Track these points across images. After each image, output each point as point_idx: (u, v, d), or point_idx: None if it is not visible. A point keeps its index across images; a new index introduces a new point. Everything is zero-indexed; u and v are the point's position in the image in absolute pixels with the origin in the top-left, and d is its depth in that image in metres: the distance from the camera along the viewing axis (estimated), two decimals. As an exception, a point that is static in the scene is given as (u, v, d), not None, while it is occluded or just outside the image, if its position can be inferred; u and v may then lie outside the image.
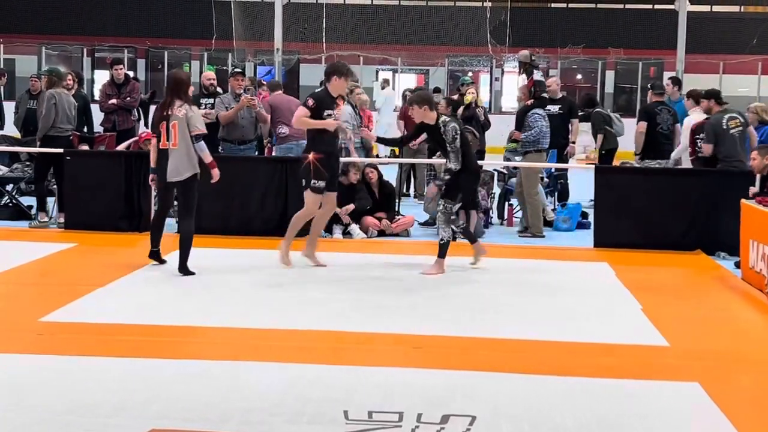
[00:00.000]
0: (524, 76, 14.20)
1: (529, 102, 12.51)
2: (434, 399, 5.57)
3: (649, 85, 14.84)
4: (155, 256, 9.52)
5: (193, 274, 9.03)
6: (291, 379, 5.92)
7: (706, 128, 11.65)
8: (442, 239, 9.34)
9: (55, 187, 12.63)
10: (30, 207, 12.63)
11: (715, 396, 5.74)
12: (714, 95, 12.19)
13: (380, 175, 12.38)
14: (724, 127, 11.50)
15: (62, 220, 12.02)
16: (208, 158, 9.09)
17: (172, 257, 9.46)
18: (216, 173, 9.13)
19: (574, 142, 13.80)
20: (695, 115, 12.47)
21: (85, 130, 13.50)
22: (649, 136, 12.49)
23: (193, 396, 5.55)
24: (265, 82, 16.28)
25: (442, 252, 9.30)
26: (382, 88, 23.93)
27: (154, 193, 11.87)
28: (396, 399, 5.56)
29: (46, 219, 12.17)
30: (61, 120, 12.02)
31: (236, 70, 14.58)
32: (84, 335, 6.92)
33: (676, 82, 14.54)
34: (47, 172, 12.37)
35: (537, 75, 14.50)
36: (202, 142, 9.03)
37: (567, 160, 13.70)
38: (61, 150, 11.82)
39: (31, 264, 9.61)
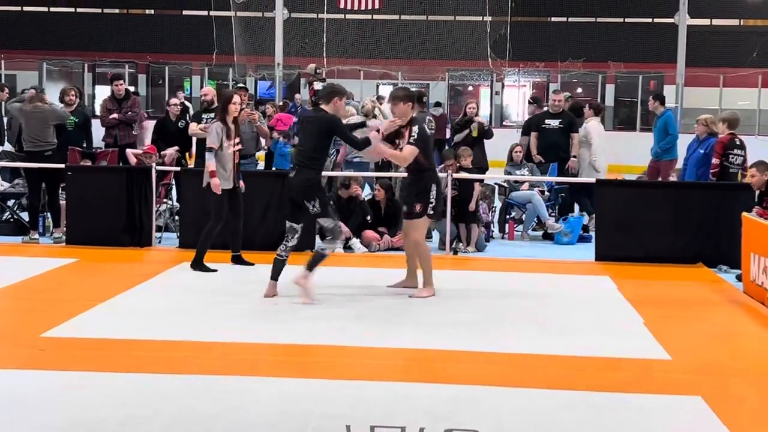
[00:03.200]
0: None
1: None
2: (437, 413, 5.57)
3: (529, 99, 16.01)
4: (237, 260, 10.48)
5: (213, 270, 9.97)
6: (293, 393, 5.92)
7: None
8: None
9: (63, 202, 12.63)
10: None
11: (717, 410, 5.73)
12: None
13: (392, 195, 12.31)
14: None
15: (57, 235, 12.04)
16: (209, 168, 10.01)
17: (178, 269, 9.45)
18: (213, 182, 9.89)
19: (575, 156, 13.81)
20: (593, 124, 13.86)
21: (85, 145, 13.51)
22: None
23: (195, 411, 5.54)
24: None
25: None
26: (380, 104, 24.03)
27: (155, 208, 11.92)
28: (398, 413, 5.56)
29: (36, 235, 12.16)
30: (30, 135, 12.04)
31: (239, 85, 14.67)
32: (86, 351, 6.92)
33: (657, 97, 14.91)
34: (37, 188, 12.36)
35: (317, 86, 15.91)
36: (207, 153, 10.04)
37: (569, 174, 13.69)
38: (60, 165, 11.84)
39: (32, 279, 9.61)
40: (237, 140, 10.18)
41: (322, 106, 8.79)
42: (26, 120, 12.19)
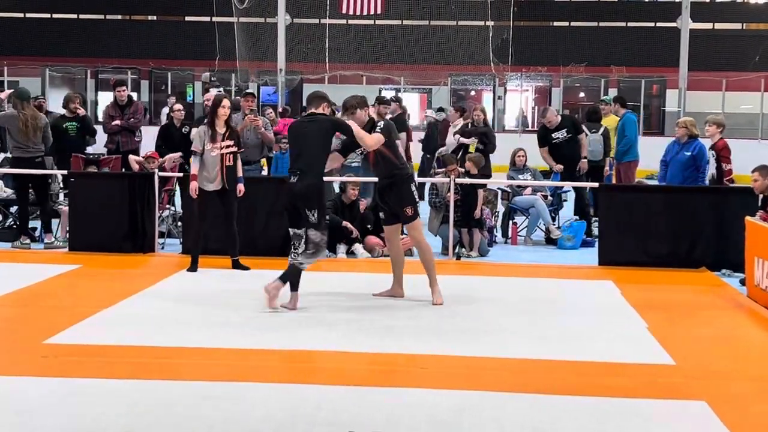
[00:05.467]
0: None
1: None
2: (441, 419, 5.55)
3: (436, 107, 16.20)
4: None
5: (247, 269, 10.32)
6: (296, 400, 5.90)
7: None
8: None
9: (60, 207, 12.63)
10: (33, 229, 12.63)
11: (722, 415, 5.71)
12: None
13: None
14: None
15: (48, 240, 12.04)
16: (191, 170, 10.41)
17: (181, 275, 9.43)
18: (191, 185, 10.30)
19: (585, 157, 13.68)
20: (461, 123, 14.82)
21: (87, 141, 13.54)
22: None
23: (198, 418, 5.53)
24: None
25: None
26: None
27: (158, 214, 11.93)
28: (402, 420, 5.54)
29: (28, 241, 12.16)
30: (19, 141, 12.05)
31: (248, 91, 14.74)
32: (89, 357, 6.90)
33: (618, 100, 15.38)
34: (25, 194, 12.36)
35: (213, 92, 16.06)
36: (192, 157, 10.41)
37: (580, 176, 13.57)
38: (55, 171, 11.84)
39: (35, 286, 9.60)
40: (228, 143, 10.25)
41: (313, 110, 8.75)
42: (25, 125, 12.16)
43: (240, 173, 10.49)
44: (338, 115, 12.79)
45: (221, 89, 18.69)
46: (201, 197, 10.27)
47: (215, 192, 10.28)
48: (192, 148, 10.41)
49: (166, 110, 14.51)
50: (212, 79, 18.20)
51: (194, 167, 10.30)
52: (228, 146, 10.25)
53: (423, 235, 9.27)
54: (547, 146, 13.76)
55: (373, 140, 8.75)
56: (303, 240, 8.53)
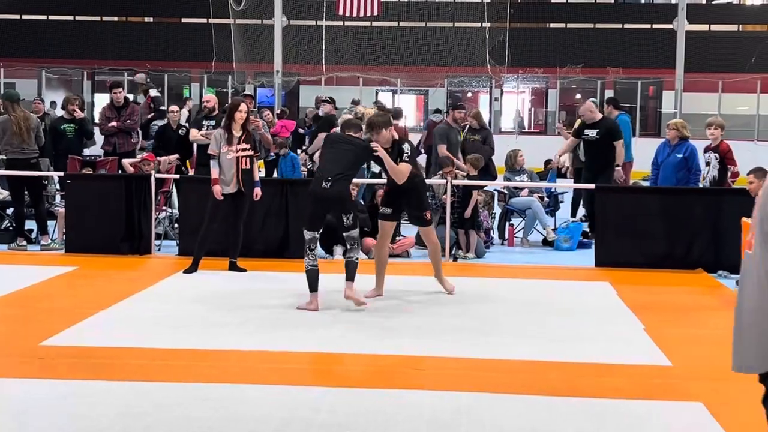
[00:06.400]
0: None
1: (150, 115, 14.73)
2: (439, 421, 5.55)
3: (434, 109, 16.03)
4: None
5: (244, 271, 10.41)
6: (294, 402, 5.90)
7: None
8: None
9: (57, 209, 12.62)
10: (30, 231, 12.62)
11: (718, 416, 5.72)
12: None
13: None
14: None
15: (45, 242, 12.05)
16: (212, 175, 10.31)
17: (177, 277, 9.43)
18: (214, 189, 10.18)
19: (618, 165, 13.13)
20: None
21: (85, 144, 13.56)
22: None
23: (193, 420, 5.53)
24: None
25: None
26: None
27: (155, 216, 11.93)
28: (400, 422, 5.54)
29: (24, 243, 12.16)
30: (11, 143, 12.04)
31: (246, 92, 14.78)
32: (86, 359, 6.90)
33: (611, 101, 15.29)
34: (20, 195, 12.36)
35: (153, 92, 17.03)
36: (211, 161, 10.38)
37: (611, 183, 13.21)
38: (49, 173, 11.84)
39: (32, 287, 9.60)
40: (243, 146, 10.29)
41: (351, 134, 8.99)
42: (9, 129, 12.16)
43: (257, 177, 10.53)
44: (345, 115, 12.91)
45: (159, 89, 19.01)
46: (217, 200, 10.24)
47: (230, 195, 10.29)
48: (209, 151, 10.41)
49: (185, 112, 14.53)
50: (147, 80, 18.34)
51: (214, 171, 10.25)
52: (244, 149, 10.28)
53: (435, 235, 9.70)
54: (579, 141, 13.38)
55: (404, 174, 9.05)
56: (317, 242, 8.82)
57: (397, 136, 9.35)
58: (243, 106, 10.35)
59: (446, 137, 14.05)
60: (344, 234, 8.81)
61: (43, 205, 12.41)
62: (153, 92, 17.18)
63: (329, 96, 16.45)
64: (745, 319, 3.35)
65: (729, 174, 11.91)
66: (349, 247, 8.77)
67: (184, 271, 10.30)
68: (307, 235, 8.66)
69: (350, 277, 8.70)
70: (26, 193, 12.32)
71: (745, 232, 9.67)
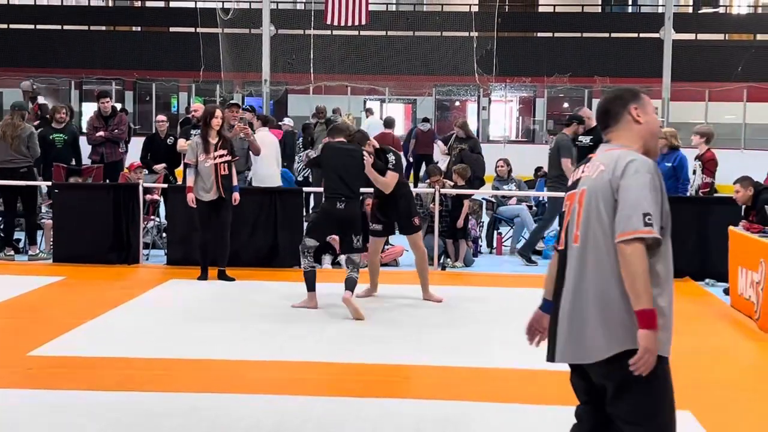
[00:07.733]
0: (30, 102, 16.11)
1: (36, 122, 14.23)
2: (427, 430, 5.56)
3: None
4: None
5: (232, 280, 10.44)
6: (282, 411, 5.90)
7: None
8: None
9: (43, 221, 12.57)
10: (18, 240, 12.57)
11: (707, 424, 5.74)
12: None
13: None
14: None
15: (33, 252, 12.01)
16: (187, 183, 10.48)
17: (166, 287, 9.41)
18: (188, 197, 10.33)
19: None
20: None
21: (74, 162, 13.47)
22: None
23: (184, 429, 5.52)
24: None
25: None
26: (367, 117, 24.30)
27: (143, 225, 11.91)
28: (388, 431, 5.54)
29: (12, 252, 12.11)
30: (4, 152, 12.03)
31: (232, 101, 14.75)
32: (73, 369, 6.89)
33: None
34: (12, 205, 12.30)
35: (41, 100, 17.19)
36: (186, 169, 10.49)
37: None
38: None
39: (19, 297, 9.56)
40: (221, 153, 10.34)
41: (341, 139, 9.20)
42: (11, 138, 12.12)
43: (235, 182, 10.57)
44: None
45: (44, 97, 19.32)
46: (200, 208, 10.35)
47: (211, 202, 10.34)
48: (185, 161, 10.53)
49: (163, 117, 14.44)
50: (34, 87, 18.48)
51: (189, 179, 10.37)
52: (221, 156, 10.31)
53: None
54: (570, 158, 12.56)
55: (390, 185, 9.32)
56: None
57: (378, 146, 9.50)
58: (218, 112, 10.49)
59: (570, 151, 12.85)
60: (347, 255, 9.03)
61: (34, 215, 12.34)
62: (40, 99, 17.61)
63: (249, 105, 16.56)
64: (581, 308, 3.79)
65: (700, 183, 11.87)
66: (349, 269, 8.89)
67: (198, 278, 10.44)
68: (309, 242, 8.99)
69: (350, 288, 8.82)
70: (19, 204, 12.26)
71: (732, 240, 9.72)
